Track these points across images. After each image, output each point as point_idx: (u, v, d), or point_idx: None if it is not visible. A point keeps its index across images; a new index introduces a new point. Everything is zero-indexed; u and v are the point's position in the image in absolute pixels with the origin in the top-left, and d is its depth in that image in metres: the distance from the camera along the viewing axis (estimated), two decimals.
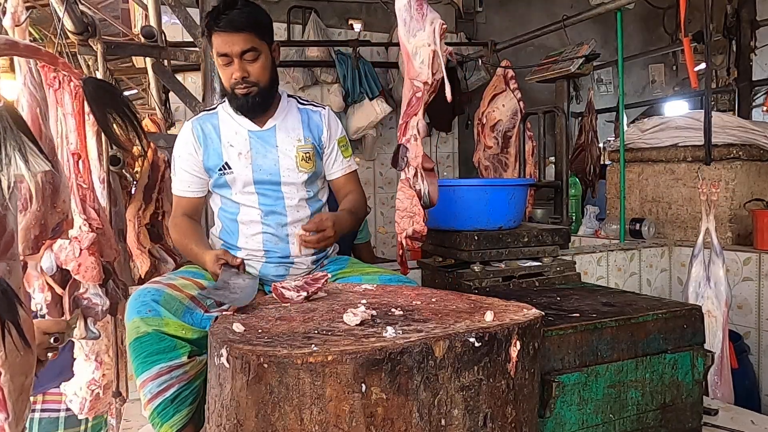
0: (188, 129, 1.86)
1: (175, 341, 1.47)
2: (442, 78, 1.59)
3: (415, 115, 1.63)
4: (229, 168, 1.80)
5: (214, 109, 1.90)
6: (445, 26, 1.56)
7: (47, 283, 1.67)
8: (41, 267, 1.69)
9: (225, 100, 1.87)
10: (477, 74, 4.95)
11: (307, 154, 1.83)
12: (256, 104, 1.76)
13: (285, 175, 1.81)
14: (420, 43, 1.57)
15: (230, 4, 1.69)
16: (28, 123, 1.23)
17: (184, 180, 1.87)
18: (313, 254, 1.87)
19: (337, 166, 1.92)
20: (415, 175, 1.65)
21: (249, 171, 1.80)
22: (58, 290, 1.66)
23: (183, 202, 1.88)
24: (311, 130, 1.87)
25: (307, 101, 1.93)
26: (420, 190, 1.66)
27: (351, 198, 1.92)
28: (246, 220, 1.83)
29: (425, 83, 1.59)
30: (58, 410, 2.01)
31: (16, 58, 1.55)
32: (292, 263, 1.84)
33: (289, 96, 1.91)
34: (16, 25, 1.75)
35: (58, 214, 1.07)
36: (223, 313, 1.35)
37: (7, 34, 1.62)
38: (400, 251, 1.81)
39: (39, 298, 1.74)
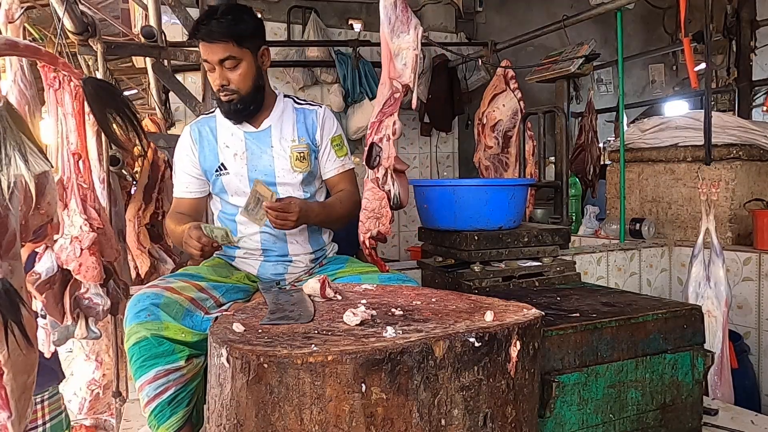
0: (186, 132, 1.89)
1: (173, 345, 1.47)
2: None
3: (391, 115, 1.63)
4: (225, 168, 1.81)
5: (212, 112, 1.91)
6: (423, 33, 1.59)
7: (26, 289, 1.64)
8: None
9: None
10: (477, 74, 4.95)
11: (302, 154, 1.83)
12: (238, 111, 1.77)
13: (280, 176, 1.82)
14: (404, 45, 1.57)
15: (212, 12, 1.70)
16: None
17: (183, 181, 1.88)
18: (311, 253, 1.88)
19: (330, 165, 1.92)
20: (385, 175, 1.65)
21: (245, 171, 1.80)
22: (38, 297, 1.64)
23: (182, 203, 1.89)
24: (307, 129, 1.87)
25: (303, 101, 1.93)
26: (389, 191, 1.66)
27: (339, 195, 1.91)
28: (244, 220, 1.83)
29: (405, 85, 1.59)
30: None
31: None
32: (291, 261, 1.85)
33: (285, 96, 1.91)
34: (10, 22, 1.76)
35: (41, 216, 1.05)
36: (224, 313, 1.34)
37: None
38: (367, 252, 1.79)
39: None
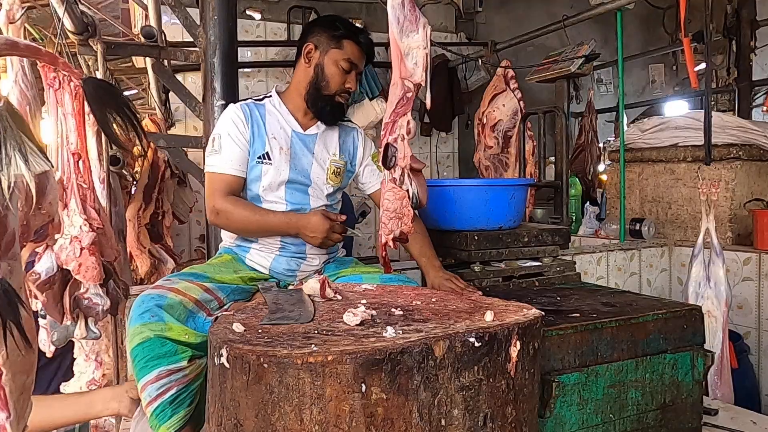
0: (235, 109, 1.85)
1: (176, 346, 1.47)
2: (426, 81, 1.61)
3: (405, 114, 1.64)
4: (269, 159, 1.83)
5: (261, 100, 1.92)
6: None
7: (28, 288, 1.63)
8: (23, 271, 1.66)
9: (272, 94, 1.91)
10: (477, 74, 4.94)
11: (338, 169, 1.93)
12: (342, 113, 1.92)
13: (314, 182, 1.89)
14: (414, 44, 1.58)
15: (357, 27, 1.92)
16: None
17: (233, 157, 1.79)
18: (325, 253, 1.92)
19: (375, 179, 2.02)
20: (402, 175, 1.65)
21: (287, 168, 1.84)
22: (40, 297, 1.63)
23: (228, 180, 1.79)
24: (348, 147, 1.97)
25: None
26: (408, 190, 1.67)
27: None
28: None
29: (417, 84, 1.60)
30: None
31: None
32: (304, 258, 1.87)
33: None
34: (11, 23, 1.75)
35: (42, 216, 1.05)
36: (224, 312, 1.33)
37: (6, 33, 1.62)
38: (384, 253, 1.81)
39: None
